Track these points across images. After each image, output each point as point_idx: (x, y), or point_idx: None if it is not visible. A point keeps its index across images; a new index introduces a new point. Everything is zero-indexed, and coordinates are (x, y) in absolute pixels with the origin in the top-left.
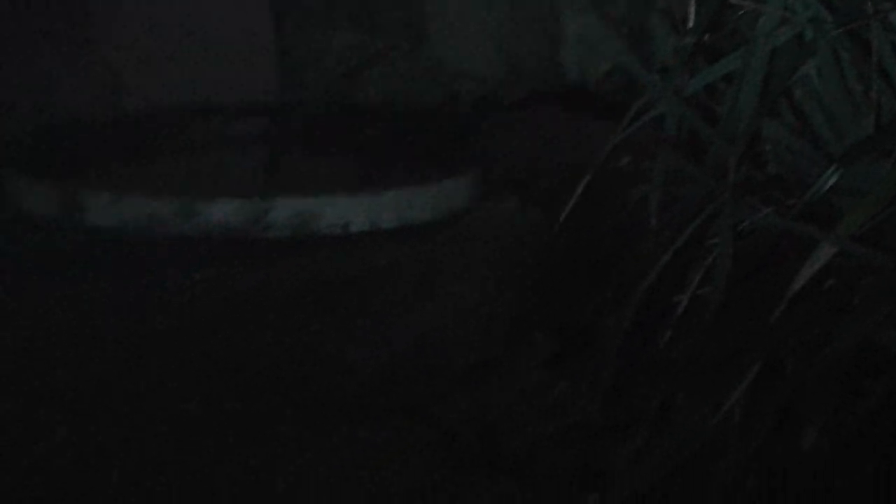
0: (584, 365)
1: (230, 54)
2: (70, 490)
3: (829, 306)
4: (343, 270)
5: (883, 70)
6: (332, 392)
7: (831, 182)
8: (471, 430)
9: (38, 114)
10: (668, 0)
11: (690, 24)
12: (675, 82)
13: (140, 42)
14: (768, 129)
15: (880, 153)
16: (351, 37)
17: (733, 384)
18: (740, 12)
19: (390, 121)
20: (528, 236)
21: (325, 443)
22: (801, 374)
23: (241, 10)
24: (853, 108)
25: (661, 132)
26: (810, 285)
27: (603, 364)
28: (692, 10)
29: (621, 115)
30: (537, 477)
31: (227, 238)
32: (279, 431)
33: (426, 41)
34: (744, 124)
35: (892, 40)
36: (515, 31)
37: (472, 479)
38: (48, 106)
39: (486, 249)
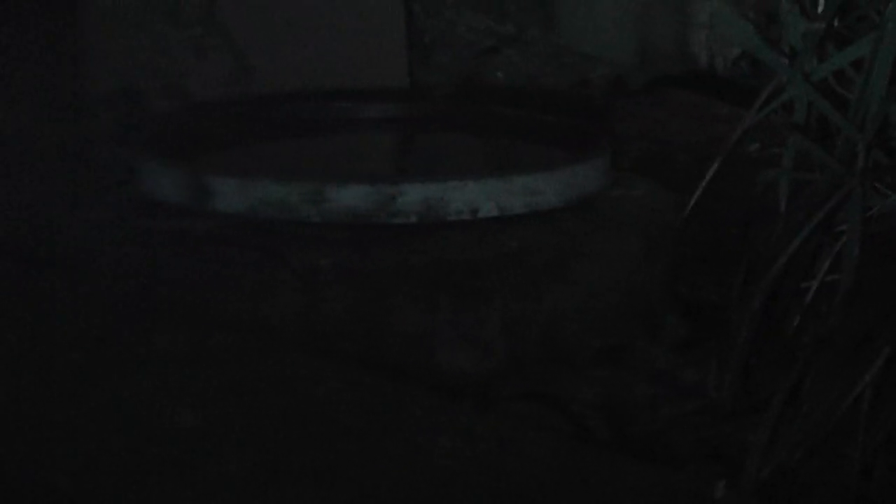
0: (715, 349)
1: (360, 37)
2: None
3: None
4: (473, 255)
5: None
6: (462, 376)
7: None
8: (600, 415)
9: (167, 98)
10: None
11: (820, 8)
12: (804, 67)
13: (268, 25)
14: None
15: None
16: (480, 20)
17: (863, 369)
18: None
19: (520, 105)
20: (658, 220)
21: (454, 427)
22: None
23: None
24: None
25: (790, 117)
26: None
27: (733, 348)
28: None
29: (751, 100)
30: (667, 461)
31: (355, 223)
32: (410, 414)
33: (556, 25)
34: (873, 110)
35: None
36: (646, 16)
37: (600, 464)
38: (177, 90)
39: (618, 234)
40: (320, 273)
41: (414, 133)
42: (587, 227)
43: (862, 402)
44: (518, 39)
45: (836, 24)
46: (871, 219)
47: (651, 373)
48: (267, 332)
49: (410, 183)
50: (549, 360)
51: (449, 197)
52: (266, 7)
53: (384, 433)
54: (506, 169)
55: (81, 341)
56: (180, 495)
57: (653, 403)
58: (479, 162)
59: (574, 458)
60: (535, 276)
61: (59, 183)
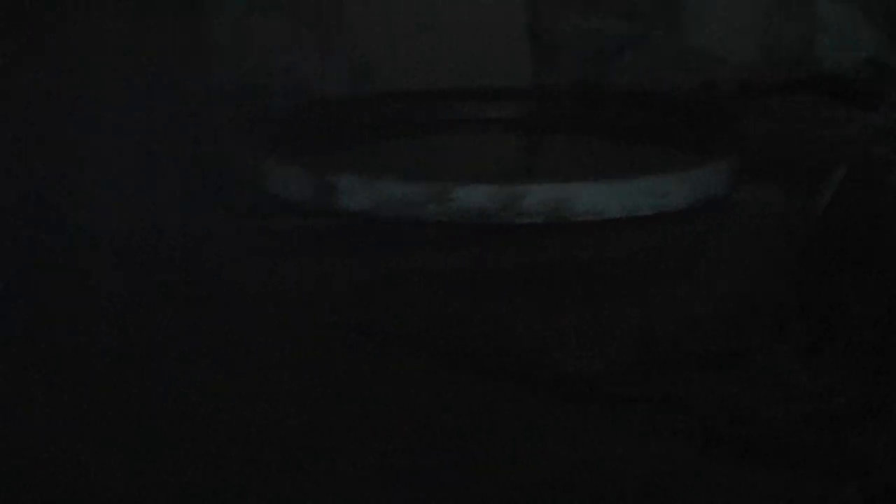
0: (841, 353)
1: (483, 37)
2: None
3: None
4: (598, 256)
5: None
6: (584, 378)
7: None
8: (724, 418)
9: (290, 96)
10: None
11: None
12: None
13: (391, 24)
14: None
15: None
16: (605, 21)
17: None
18: None
19: (645, 106)
20: (785, 223)
21: (576, 429)
22: None
23: None
24: None
25: None
26: None
27: (859, 354)
28: None
29: (877, 104)
30: (791, 464)
31: (480, 223)
32: (532, 415)
33: (682, 27)
34: None
35: None
36: (771, 19)
37: (724, 466)
38: (300, 88)
39: (744, 237)
40: (444, 273)
41: (539, 134)
42: (713, 229)
43: None
44: (643, 41)
45: None
46: None
47: (777, 377)
48: (386, 332)
49: (537, 183)
50: (673, 362)
51: (575, 198)
52: (390, 6)
53: (504, 434)
54: (632, 171)
55: (203, 339)
56: (291, 494)
57: (778, 407)
58: (605, 163)
59: (696, 462)
60: (660, 278)
61: (184, 181)
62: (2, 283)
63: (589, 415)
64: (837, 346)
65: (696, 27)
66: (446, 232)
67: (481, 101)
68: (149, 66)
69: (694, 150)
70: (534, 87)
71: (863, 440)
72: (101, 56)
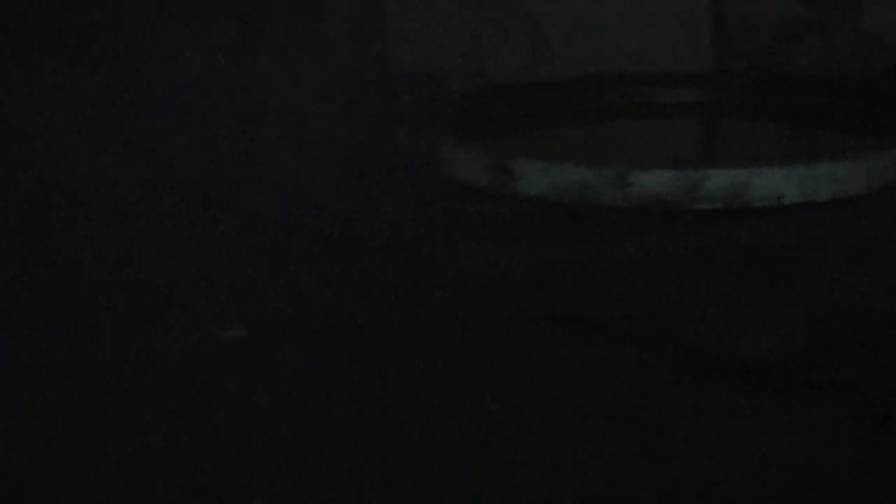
0: None
1: (664, 21)
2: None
3: None
4: (776, 242)
5: None
6: (762, 361)
7: None
8: None
9: (468, 80)
10: None
11: None
12: None
13: (569, 9)
14: None
15: None
16: (785, 6)
17: None
18: None
19: (824, 92)
20: None
21: (754, 411)
22: None
23: None
24: None
25: None
26: None
27: None
28: None
29: None
30: None
31: (658, 208)
32: (711, 397)
33: (863, 13)
34: None
35: None
36: None
37: None
38: (478, 73)
39: None
40: (623, 258)
41: (717, 119)
42: (890, 215)
43: None
44: (824, 27)
45: None
46: None
47: None
48: (566, 317)
49: (716, 168)
50: (852, 347)
51: (754, 183)
52: None
53: (684, 415)
54: (811, 156)
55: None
56: (483, 474)
57: None
58: (784, 148)
59: (873, 444)
60: (839, 264)
61: (362, 163)
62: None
63: (765, 397)
64: None
65: (877, 13)
66: (624, 217)
67: (660, 86)
68: (331, 54)
69: (872, 136)
70: (713, 73)
71: None
72: (288, 51)
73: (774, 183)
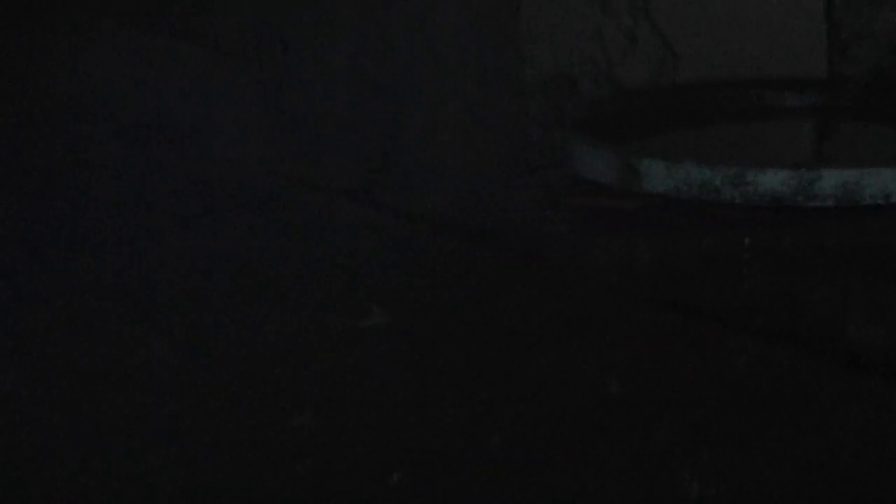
0: None
1: (781, 29)
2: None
3: None
4: (885, 239)
5: None
6: (872, 352)
7: None
8: None
9: (598, 84)
10: None
11: None
12: None
13: (694, 16)
14: None
15: None
16: None
17: None
18: None
19: None
20: None
21: (865, 399)
22: None
23: None
24: None
25: None
26: None
27: None
28: None
29: None
30: None
31: (774, 206)
32: (822, 386)
33: None
34: None
35: None
36: None
37: None
38: (607, 77)
39: None
40: (743, 252)
41: (831, 121)
42: None
43: None
44: None
45: None
46: None
47: None
48: (690, 307)
49: (829, 168)
50: None
51: (865, 182)
52: (691, 1)
53: (797, 404)
54: None
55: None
56: (608, 459)
57: None
58: (894, 150)
59: None
60: None
61: (496, 161)
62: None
63: (875, 386)
64: None
65: None
66: (743, 214)
67: (779, 90)
68: (472, 57)
69: None
70: (830, 78)
71: None
72: (428, 52)
73: (883, 183)
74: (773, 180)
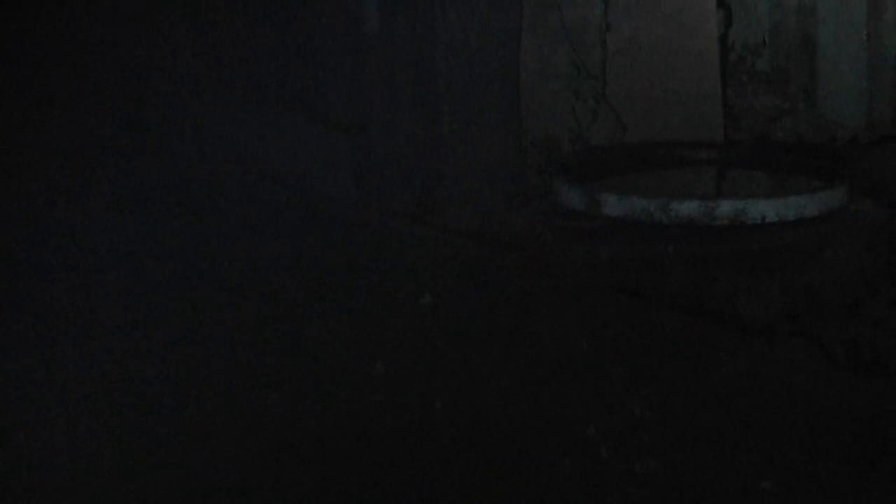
0: None
1: (693, 108)
2: None
3: None
4: (762, 245)
5: None
6: (755, 321)
7: None
8: (843, 346)
9: (574, 144)
10: None
11: None
12: None
13: (636, 100)
14: None
15: None
16: (769, 99)
17: None
18: None
19: (793, 152)
20: (880, 226)
21: (751, 354)
22: None
23: (701, 79)
24: None
25: None
26: None
27: None
28: None
29: None
30: (887, 377)
31: (688, 225)
32: (725, 345)
33: (816, 102)
34: None
35: None
36: (873, 93)
37: (844, 378)
38: (580, 139)
39: (852, 234)
40: (667, 255)
41: (726, 169)
42: (834, 229)
43: None
44: (792, 111)
45: None
46: None
47: (874, 320)
48: (639, 291)
49: (725, 199)
50: (809, 312)
51: (748, 209)
52: (635, 89)
53: (704, 357)
54: (784, 192)
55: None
56: (583, 393)
57: (873, 338)
58: (768, 188)
59: (826, 374)
60: (801, 259)
61: (506, 195)
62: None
63: (757, 345)
64: None
65: (824, 102)
66: (669, 231)
67: (692, 148)
68: (490, 124)
69: (822, 178)
70: (726, 140)
71: None
72: (466, 122)
73: (760, 209)
74: (688, 208)
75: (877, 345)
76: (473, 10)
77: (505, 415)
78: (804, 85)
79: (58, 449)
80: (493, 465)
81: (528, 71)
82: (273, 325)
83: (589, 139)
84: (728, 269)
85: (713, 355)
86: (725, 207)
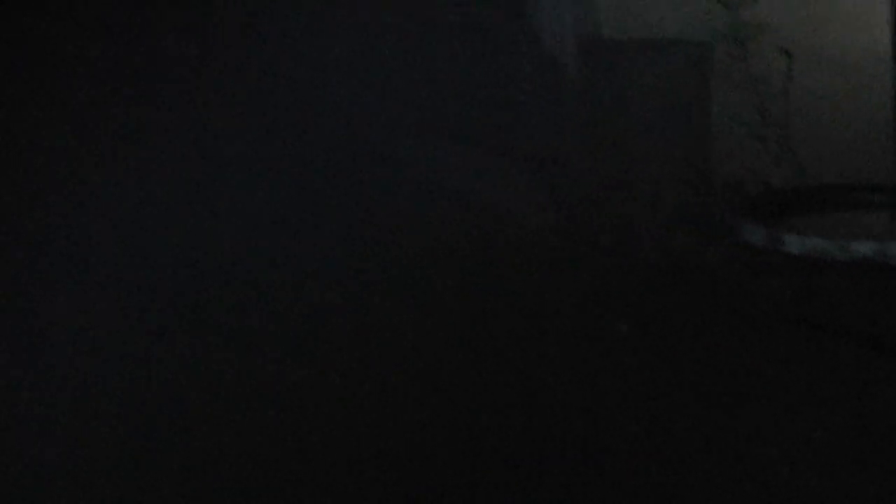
0: None
1: (867, 153)
2: None
3: None
4: None
5: None
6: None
7: None
8: None
9: (758, 185)
10: None
11: None
12: None
13: (814, 146)
14: None
15: None
16: None
17: None
18: None
19: None
20: None
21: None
22: None
23: (876, 127)
24: None
25: None
26: None
27: None
28: None
29: None
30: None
31: (864, 263)
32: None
33: None
34: None
35: None
36: None
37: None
38: (763, 181)
39: None
40: (844, 292)
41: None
42: None
43: None
44: None
45: None
46: None
47: None
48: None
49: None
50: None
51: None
52: (814, 136)
53: (881, 386)
54: None
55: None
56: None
57: None
58: None
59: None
60: None
61: (692, 232)
62: None
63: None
64: None
65: None
66: (846, 268)
67: (867, 191)
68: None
69: None
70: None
71: None
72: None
73: None
74: (864, 248)
75: None
76: (668, 60)
77: (693, 437)
78: None
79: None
80: (680, 488)
81: (716, 117)
82: (476, 340)
83: (771, 181)
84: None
85: (889, 383)
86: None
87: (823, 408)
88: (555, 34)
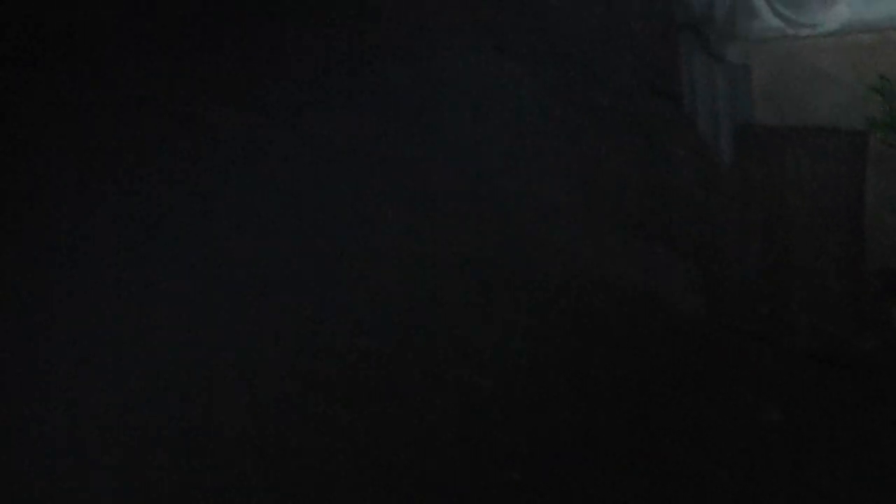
0: None
1: None
2: None
3: None
4: None
5: None
6: None
7: None
8: None
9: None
10: None
11: None
12: None
13: None
14: None
15: None
16: None
17: None
18: None
19: None
20: None
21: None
22: None
23: None
24: None
25: None
26: None
27: None
28: None
29: None
30: None
31: None
32: None
33: None
34: None
35: None
36: None
37: None
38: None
39: None
40: None
41: None
42: None
43: None
44: None
45: None
46: None
47: None
48: None
49: None
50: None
51: None
52: None
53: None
54: None
55: None
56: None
57: None
58: None
59: None
60: None
61: (846, 320)
62: None
63: None
64: None
65: None
66: None
67: None
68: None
69: None
70: None
71: None
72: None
73: None
74: None
75: None
76: (823, 146)
77: None
78: None
79: None
80: None
81: (869, 205)
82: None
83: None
84: None
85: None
86: None
87: None
88: (709, 119)
